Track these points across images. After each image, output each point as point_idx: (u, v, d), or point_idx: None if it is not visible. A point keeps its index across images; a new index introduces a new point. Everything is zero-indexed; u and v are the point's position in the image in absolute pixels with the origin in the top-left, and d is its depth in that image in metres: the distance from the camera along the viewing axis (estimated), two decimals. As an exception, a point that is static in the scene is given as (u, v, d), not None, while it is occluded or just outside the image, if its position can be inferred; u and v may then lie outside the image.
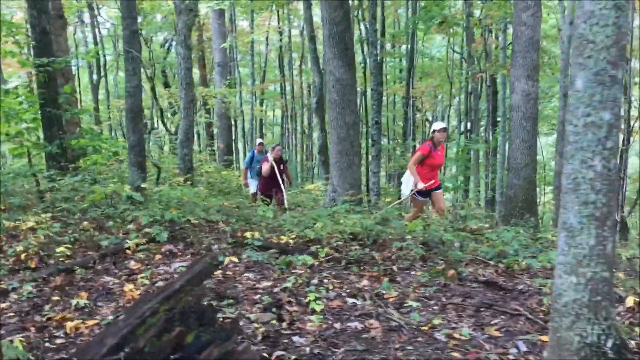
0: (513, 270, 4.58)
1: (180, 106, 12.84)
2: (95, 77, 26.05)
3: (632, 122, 17.32)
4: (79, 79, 27.83)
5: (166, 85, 27.29)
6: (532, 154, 10.24)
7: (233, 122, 24.87)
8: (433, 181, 6.91)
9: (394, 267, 4.47)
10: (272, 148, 9.83)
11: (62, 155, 9.56)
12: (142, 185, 6.92)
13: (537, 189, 13.81)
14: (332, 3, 11.01)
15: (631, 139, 17.47)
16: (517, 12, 10.07)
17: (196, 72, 29.48)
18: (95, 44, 25.32)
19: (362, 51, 16.92)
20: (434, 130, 6.92)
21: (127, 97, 7.50)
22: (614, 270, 2.31)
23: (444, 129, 6.98)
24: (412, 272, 4.42)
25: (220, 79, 22.52)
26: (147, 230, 4.95)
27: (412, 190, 6.83)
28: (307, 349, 2.97)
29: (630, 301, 3.51)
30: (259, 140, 11.16)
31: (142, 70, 21.25)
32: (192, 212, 6.01)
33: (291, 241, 4.90)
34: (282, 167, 9.76)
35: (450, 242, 5.20)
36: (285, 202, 9.24)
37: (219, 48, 22.63)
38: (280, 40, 22.35)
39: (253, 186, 10.52)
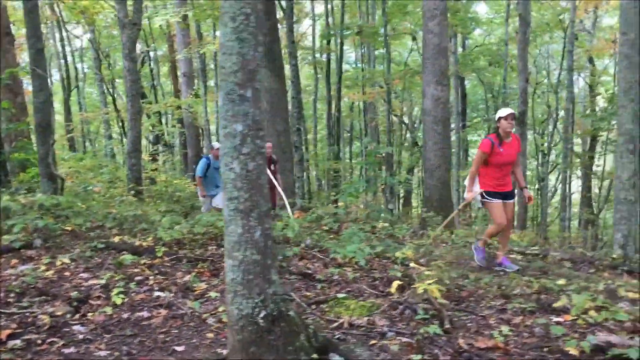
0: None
1: (128, 117, 13.34)
2: (62, 91, 26.45)
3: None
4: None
5: (143, 96, 27.69)
6: (444, 155, 10.75)
7: (201, 131, 25.34)
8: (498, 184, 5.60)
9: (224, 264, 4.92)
10: None
11: (0, 168, 10.09)
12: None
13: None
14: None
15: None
16: (425, 21, 10.61)
17: (169, 83, 30.05)
18: (65, 57, 25.88)
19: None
20: (499, 118, 5.49)
21: (35, 112, 7.96)
22: (272, 253, 2.76)
23: (512, 116, 5.47)
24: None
25: (187, 89, 23.08)
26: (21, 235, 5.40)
27: (462, 203, 5.84)
28: (81, 336, 3.42)
29: (394, 285, 3.97)
30: (216, 145, 9.61)
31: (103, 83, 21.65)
32: (84, 219, 6.49)
33: (144, 243, 5.34)
34: (273, 168, 8.79)
35: (301, 240, 5.67)
36: (288, 207, 8.05)
37: (184, 59, 23.21)
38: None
39: (206, 205, 9.26)
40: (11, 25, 13.87)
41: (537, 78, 31.95)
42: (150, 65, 27.20)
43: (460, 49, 26.93)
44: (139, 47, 30.71)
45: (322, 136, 28.29)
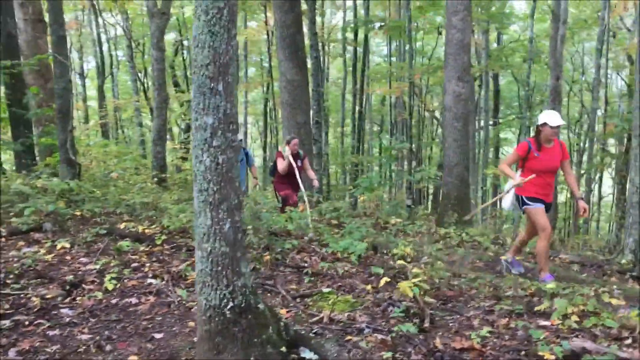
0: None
1: (154, 106, 13.57)
2: (97, 77, 27.06)
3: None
4: (82, 79, 29.13)
5: (176, 84, 28.09)
6: (464, 152, 10.61)
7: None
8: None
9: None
10: (286, 141, 8.34)
11: (28, 152, 10.43)
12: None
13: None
14: (283, 7, 11.57)
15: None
16: (448, 16, 10.45)
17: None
18: (100, 45, 26.44)
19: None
20: (544, 124, 5.03)
21: (57, 98, 8.16)
22: (243, 246, 2.79)
23: (560, 126, 5.07)
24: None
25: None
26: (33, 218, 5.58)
27: (519, 202, 5.25)
28: (68, 319, 3.52)
29: (382, 282, 3.96)
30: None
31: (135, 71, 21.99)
32: (95, 205, 6.65)
33: (148, 230, 5.45)
34: (300, 163, 8.32)
35: (304, 233, 5.70)
36: (306, 201, 7.52)
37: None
38: (268, 39, 22.87)
39: None
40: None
41: (573, 76, 31.18)
42: (183, 54, 27.55)
43: (495, 45, 26.55)
44: (172, 36, 31.25)
45: (349, 130, 28.28)
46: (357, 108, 17.08)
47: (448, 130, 10.53)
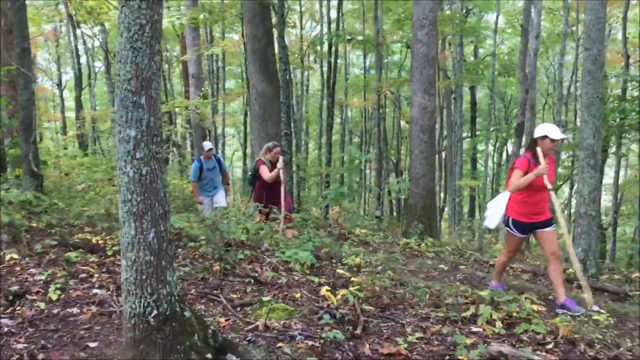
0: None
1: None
2: (74, 89, 27.01)
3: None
4: (60, 90, 29.02)
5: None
6: (429, 164, 10.79)
7: (207, 133, 25.67)
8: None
9: (175, 266, 5.03)
10: (267, 149, 7.83)
11: (-4, 163, 10.38)
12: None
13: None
14: (253, 20, 11.71)
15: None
16: (414, 30, 10.67)
17: (179, 83, 30.53)
18: (77, 56, 26.45)
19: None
20: (544, 137, 4.77)
21: (20, 110, 8.19)
22: (168, 255, 2.86)
23: (560, 141, 4.84)
24: (187, 267, 4.98)
25: (195, 90, 23.42)
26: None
27: (505, 221, 5.02)
28: (6, 329, 3.55)
29: (324, 290, 4.05)
30: (207, 145, 8.94)
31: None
32: (54, 217, 6.66)
33: (102, 241, 5.49)
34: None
35: (259, 243, 5.77)
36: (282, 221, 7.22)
37: (192, 60, 23.58)
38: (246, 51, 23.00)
39: (205, 208, 8.79)
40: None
41: (548, 89, 31.77)
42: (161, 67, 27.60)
43: (472, 58, 26.98)
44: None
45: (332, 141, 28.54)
46: (326, 120, 17.22)
47: (414, 142, 10.72)
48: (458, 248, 8.61)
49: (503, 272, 5.54)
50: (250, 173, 8.25)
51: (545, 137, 4.81)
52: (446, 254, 7.51)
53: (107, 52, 22.01)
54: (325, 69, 18.88)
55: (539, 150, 4.83)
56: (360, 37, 13.93)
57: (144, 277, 2.76)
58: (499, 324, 3.57)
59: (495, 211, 5.13)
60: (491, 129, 30.41)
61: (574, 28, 24.83)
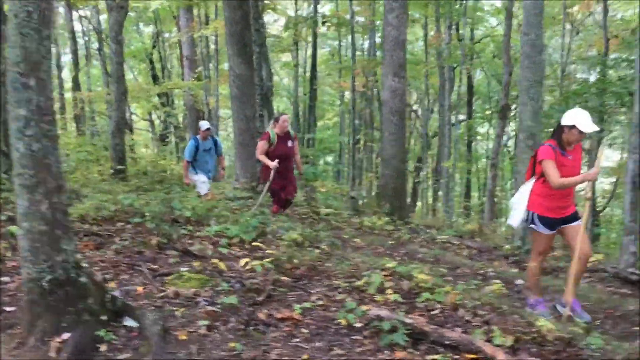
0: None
1: (112, 98, 13.86)
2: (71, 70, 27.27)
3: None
4: (59, 71, 29.27)
5: (154, 77, 28.25)
6: (400, 145, 10.97)
7: (202, 114, 25.88)
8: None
9: (117, 239, 5.30)
10: (274, 119, 7.23)
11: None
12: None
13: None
14: (231, 3, 11.86)
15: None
16: (385, 14, 10.80)
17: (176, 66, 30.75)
18: (74, 37, 26.67)
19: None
20: (572, 126, 4.20)
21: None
22: (64, 225, 3.11)
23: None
24: (127, 241, 5.23)
25: (189, 71, 23.61)
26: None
27: (528, 218, 4.42)
28: None
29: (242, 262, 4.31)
30: (205, 125, 8.52)
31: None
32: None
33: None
34: (290, 144, 7.11)
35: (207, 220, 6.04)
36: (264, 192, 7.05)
37: (186, 42, 23.75)
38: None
39: (202, 186, 8.37)
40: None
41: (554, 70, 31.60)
42: (159, 48, 27.81)
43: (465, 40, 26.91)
44: (150, 29, 31.37)
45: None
46: (301, 103, 17.35)
47: (385, 124, 10.89)
48: (417, 226, 8.84)
49: (539, 282, 4.59)
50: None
51: (573, 126, 4.19)
52: (402, 232, 7.73)
53: (100, 33, 22.19)
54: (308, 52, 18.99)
55: (564, 139, 4.26)
56: (334, 20, 14.05)
57: (38, 245, 3.01)
58: (389, 291, 3.81)
59: (519, 207, 4.49)
60: (486, 112, 30.46)
61: (568, 10, 24.71)
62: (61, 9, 28.31)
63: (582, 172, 4.39)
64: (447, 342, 3.12)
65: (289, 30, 15.72)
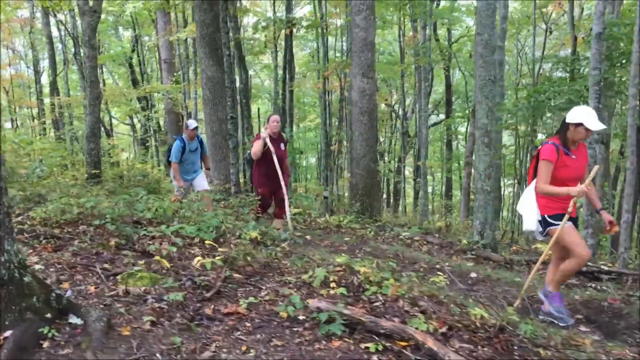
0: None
1: (87, 103, 13.86)
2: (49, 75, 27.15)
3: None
4: (36, 77, 29.12)
5: (134, 82, 28.20)
6: (370, 145, 11.13)
7: (181, 118, 25.86)
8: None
9: (76, 242, 5.36)
10: (267, 119, 7.03)
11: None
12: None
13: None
14: (202, 6, 11.95)
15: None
16: (353, 15, 10.95)
17: (156, 70, 30.70)
18: (51, 42, 26.54)
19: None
20: (579, 124, 4.04)
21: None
22: (7, 227, 3.18)
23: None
24: (85, 243, 5.29)
25: (167, 75, 23.60)
26: None
27: (544, 222, 4.22)
28: None
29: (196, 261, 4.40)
30: (192, 124, 8.04)
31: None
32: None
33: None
34: (283, 147, 6.91)
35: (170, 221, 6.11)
36: (288, 211, 6.84)
37: (164, 45, 23.74)
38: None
39: (186, 188, 8.14)
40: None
41: (522, 70, 32.04)
42: (138, 52, 27.79)
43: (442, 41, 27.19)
44: (128, 33, 31.32)
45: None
46: (282, 103, 17.47)
47: (355, 124, 11.04)
48: (385, 224, 8.98)
49: (566, 280, 4.48)
50: (248, 152, 7.45)
51: (580, 124, 4.03)
52: (368, 230, 7.86)
53: (76, 38, 22.14)
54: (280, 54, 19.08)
55: (568, 137, 4.12)
56: (304, 22, 14.18)
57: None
58: (335, 286, 3.92)
59: (528, 212, 4.29)
60: (466, 111, 30.76)
61: (543, 10, 25.14)
62: (38, 14, 28.25)
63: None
64: (381, 331, 3.24)
65: (258, 32, 15.80)
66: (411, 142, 28.13)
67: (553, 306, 4.16)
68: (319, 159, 20.27)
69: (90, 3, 12.95)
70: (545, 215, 4.20)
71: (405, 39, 23.63)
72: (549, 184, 4.10)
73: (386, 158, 29.97)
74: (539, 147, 4.26)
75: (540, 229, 4.24)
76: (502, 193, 22.98)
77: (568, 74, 12.19)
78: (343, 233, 7.56)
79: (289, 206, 6.49)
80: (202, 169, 8.48)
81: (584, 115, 4.03)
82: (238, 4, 19.40)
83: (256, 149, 6.55)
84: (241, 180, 12.79)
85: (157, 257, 4.31)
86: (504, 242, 8.91)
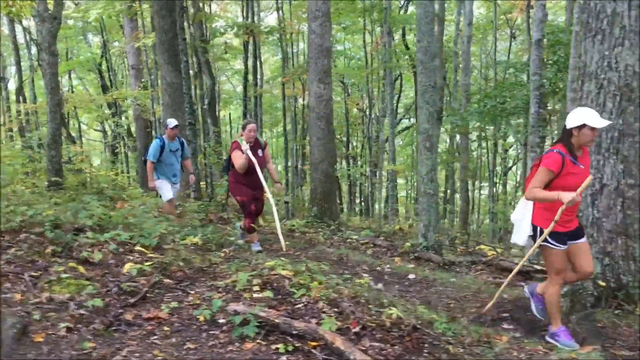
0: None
1: (47, 110, 13.72)
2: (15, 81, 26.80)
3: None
4: (5, 83, 28.70)
5: (104, 87, 27.94)
6: (328, 150, 11.22)
7: (149, 124, 25.67)
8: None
9: (12, 250, 5.32)
10: (242, 127, 6.71)
11: None
12: None
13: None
14: (161, 12, 11.94)
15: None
16: (309, 22, 11.05)
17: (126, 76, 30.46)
18: (17, 48, 26.20)
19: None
20: (582, 125, 3.73)
21: None
22: None
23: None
24: (21, 251, 5.25)
25: (135, 81, 23.45)
26: None
27: (535, 234, 3.90)
28: None
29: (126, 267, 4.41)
30: (172, 122, 7.63)
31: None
32: None
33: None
34: (261, 153, 6.65)
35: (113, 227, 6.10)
36: (278, 226, 6.63)
37: (131, 51, 23.61)
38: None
39: (167, 189, 7.59)
40: None
41: (487, 74, 32.55)
42: (107, 58, 27.60)
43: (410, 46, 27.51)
44: (97, 39, 31.05)
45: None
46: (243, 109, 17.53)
47: (313, 129, 11.12)
48: (338, 227, 9.07)
49: (560, 307, 4.05)
50: (225, 158, 7.07)
51: (583, 125, 3.72)
52: (319, 234, 7.93)
53: (38, 45, 21.93)
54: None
55: (574, 143, 3.78)
56: (264, 28, 14.29)
57: None
58: (259, 288, 3.98)
59: (521, 223, 4.02)
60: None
61: (509, 15, 25.63)
62: (4, 20, 27.86)
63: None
64: (294, 332, 3.30)
65: (224, 37, 15.83)
66: (382, 146, 28.28)
67: (561, 343, 3.86)
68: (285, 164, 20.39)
69: (51, 9, 12.84)
70: (541, 228, 3.87)
71: (373, 44, 23.86)
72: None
73: (359, 162, 30.11)
74: (543, 154, 3.97)
75: (535, 239, 3.92)
76: (470, 196, 23.32)
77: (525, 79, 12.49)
78: (293, 237, 7.61)
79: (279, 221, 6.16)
80: (181, 173, 8.07)
81: (585, 115, 3.73)
82: (207, 9, 19.45)
83: (240, 163, 6.29)
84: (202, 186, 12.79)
85: (71, 264, 4.30)
86: (458, 243, 9.05)
